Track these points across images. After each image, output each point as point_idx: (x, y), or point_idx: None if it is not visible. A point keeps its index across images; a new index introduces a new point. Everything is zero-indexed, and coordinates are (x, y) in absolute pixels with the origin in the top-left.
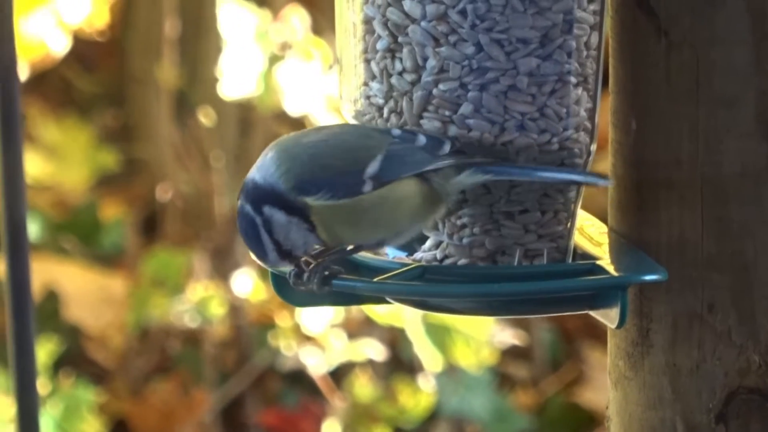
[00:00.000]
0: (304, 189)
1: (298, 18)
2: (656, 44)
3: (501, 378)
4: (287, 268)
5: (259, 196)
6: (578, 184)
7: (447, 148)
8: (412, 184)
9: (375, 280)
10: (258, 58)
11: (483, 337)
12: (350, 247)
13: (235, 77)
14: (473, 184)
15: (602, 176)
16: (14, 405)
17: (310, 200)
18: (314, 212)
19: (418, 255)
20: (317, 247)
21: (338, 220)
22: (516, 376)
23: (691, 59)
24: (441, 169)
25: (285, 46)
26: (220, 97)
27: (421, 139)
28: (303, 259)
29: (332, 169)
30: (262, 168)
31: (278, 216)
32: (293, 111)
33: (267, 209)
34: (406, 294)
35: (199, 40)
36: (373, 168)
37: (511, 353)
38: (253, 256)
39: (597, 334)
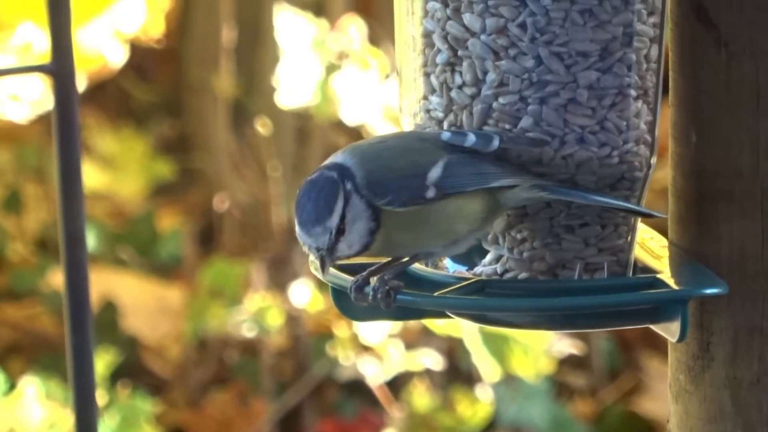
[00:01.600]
0: (373, 190)
1: (355, 27)
2: (716, 56)
3: (559, 387)
4: (313, 251)
5: (345, 172)
6: (630, 212)
7: (496, 143)
8: (476, 196)
9: (436, 294)
10: (315, 68)
11: (541, 347)
12: (406, 259)
13: (292, 86)
14: (528, 200)
15: (655, 212)
16: (73, 416)
17: (379, 203)
18: (384, 215)
19: (478, 269)
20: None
21: (402, 226)
22: (574, 386)
23: (752, 70)
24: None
25: (342, 56)
26: (277, 107)
27: (471, 138)
28: (362, 275)
29: (398, 170)
30: (340, 158)
31: (356, 199)
32: (350, 120)
33: (350, 185)
34: (467, 308)
35: (256, 50)
36: (435, 173)
37: (569, 362)
38: (298, 221)
39: (655, 343)
